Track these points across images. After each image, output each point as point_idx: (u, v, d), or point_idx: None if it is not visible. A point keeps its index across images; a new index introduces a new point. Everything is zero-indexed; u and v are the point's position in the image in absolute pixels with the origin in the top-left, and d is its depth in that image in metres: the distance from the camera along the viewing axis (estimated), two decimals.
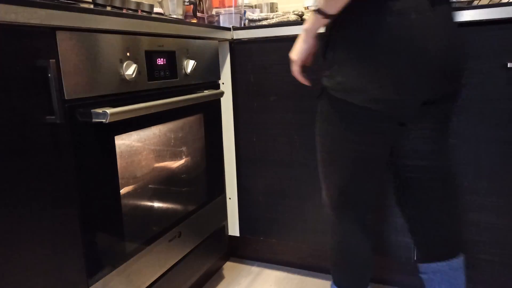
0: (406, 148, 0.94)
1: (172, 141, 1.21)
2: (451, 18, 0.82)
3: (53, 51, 0.76)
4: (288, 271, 1.59)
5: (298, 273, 1.57)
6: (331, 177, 0.94)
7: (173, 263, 1.20)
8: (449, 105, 0.91)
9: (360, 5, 0.77)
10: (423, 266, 1.01)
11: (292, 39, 1.36)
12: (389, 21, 0.75)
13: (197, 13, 1.64)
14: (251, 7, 1.82)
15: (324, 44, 0.86)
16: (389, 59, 0.77)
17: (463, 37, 0.99)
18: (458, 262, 1.00)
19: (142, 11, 1.14)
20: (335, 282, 1.02)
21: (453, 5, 0.89)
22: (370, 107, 0.80)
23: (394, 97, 0.79)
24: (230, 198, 1.58)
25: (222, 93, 1.32)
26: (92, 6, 0.93)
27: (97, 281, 0.90)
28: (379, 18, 0.76)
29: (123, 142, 1.02)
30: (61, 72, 0.78)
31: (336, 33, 0.82)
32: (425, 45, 0.77)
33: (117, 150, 0.97)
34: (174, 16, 1.46)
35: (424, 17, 0.78)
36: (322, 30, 0.87)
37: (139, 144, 1.09)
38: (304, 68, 1.05)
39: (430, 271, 1.00)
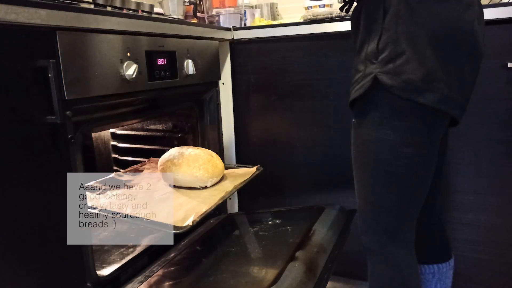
0: None
1: None
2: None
3: (53, 51, 0.76)
4: None
5: None
6: (386, 196, 0.82)
7: None
8: None
9: None
10: (423, 267, 1.01)
11: (292, 39, 1.37)
12: (461, 13, 0.72)
13: (198, 13, 1.64)
14: (251, 7, 1.82)
15: (378, 39, 0.76)
16: (457, 55, 0.74)
17: None
18: (452, 261, 1.01)
19: (143, 11, 1.14)
20: None
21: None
22: (438, 108, 0.74)
23: (458, 96, 0.75)
24: (230, 199, 1.58)
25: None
26: (92, 6, 0.93)
27: None
28: (450, 9, 0.72)
29: None
30: (61, 72, 0.77)
31: (395, 26, 0.74)
32: (479, 40, 0.76)
33: None
34: (175, 16, 1.47)
35: (480, 11, 0.77)
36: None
37: None
38: None
39: (429, 272, 1.00)
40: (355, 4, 0.88)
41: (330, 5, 1.41)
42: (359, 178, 0.86)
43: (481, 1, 0.82)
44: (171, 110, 1.36)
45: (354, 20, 0.86)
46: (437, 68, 0.72)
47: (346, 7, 0.95)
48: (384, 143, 0.78)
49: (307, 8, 1.67)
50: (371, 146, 0.80)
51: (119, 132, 1.58)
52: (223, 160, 1.39)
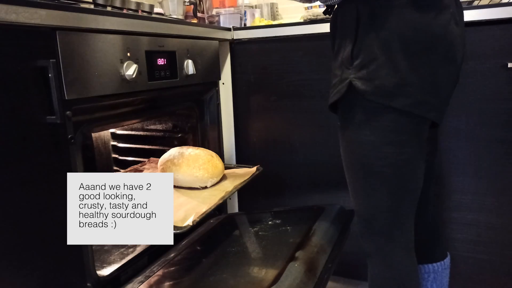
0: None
1: None
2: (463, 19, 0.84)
3: (54, 51, 0.76)
4: None
5: None
6: (376, 197, 0.82)
7: None
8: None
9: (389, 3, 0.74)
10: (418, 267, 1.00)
11: (292, 39, 1.37)
12: (432, 18, 0.74)
13: (198, 13, 1.64)
14: (251, 7, 1.82)
15: (352, 45, 0.78)
16: (430, 59, 0.75)
17: None
18: (448, 261, 1.01)
19: (143, 11, 1.14)
20: None
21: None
22: (412, 112, 0.75)
23: (433, 99, 0.76)
24: (230, 199, 1.58)
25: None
26: (92, 6, 0.93)
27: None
28: (421, 14, 0.73)
29: None
30: (61, 72, 0.78)
31: (367, 33, 0.76)
32: (456, 42, 0.77)
33: None
34: (175, 16, 1.47)
35: (459, 12, 0.78)
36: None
37: None
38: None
39: (424, 272, 1.00)
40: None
41: None
42: (350, 181, 0.87)
43: (460, 2, 0.83)
44: (171, 110, 1.36)
45: (331, 24, 0.88)
46: (410, 73, 0.74)
47: (329, 10, 0.96)
48: (366, 144, 0.79)
49: (307, 8, 1.67)
50: (355, 148, 0.82)
51: (119, 132, 1.58)
52: (223, 160, 1.40)
